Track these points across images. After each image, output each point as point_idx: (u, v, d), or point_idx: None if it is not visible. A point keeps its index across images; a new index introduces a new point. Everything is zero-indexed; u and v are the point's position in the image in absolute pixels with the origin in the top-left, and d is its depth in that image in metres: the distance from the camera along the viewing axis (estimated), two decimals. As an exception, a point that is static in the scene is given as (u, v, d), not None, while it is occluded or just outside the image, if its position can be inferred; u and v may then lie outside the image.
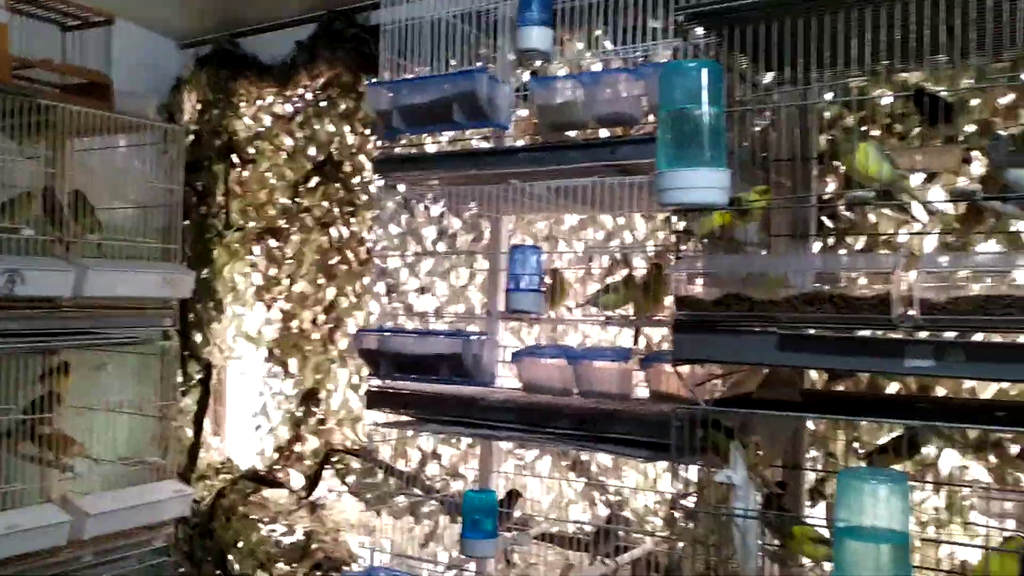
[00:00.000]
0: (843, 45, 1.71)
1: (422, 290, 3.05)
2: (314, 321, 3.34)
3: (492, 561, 2.48)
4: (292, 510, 3.31)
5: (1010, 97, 2.05)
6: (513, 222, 2.75)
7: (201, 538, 3.47)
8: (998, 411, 1.57)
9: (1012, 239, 1.97)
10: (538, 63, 2.34)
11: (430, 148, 2.54)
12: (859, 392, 2.24)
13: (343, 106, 3.24)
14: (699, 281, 1.64)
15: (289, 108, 3.43)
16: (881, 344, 1.44)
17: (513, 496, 2.40)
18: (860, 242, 2.23)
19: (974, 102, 2.11)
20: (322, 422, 3.29)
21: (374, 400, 2.34)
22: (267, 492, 3.41)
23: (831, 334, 1.49)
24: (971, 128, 2.07)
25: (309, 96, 3.36)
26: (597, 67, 2.32)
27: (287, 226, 3.44)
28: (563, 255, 2.67)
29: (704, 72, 1.46)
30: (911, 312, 1.38)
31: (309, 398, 3.32)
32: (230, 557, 3.44)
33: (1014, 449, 1.98)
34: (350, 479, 3.19)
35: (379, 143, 2.40)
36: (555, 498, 2.73)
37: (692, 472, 1.97)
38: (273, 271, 3.50)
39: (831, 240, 2.26)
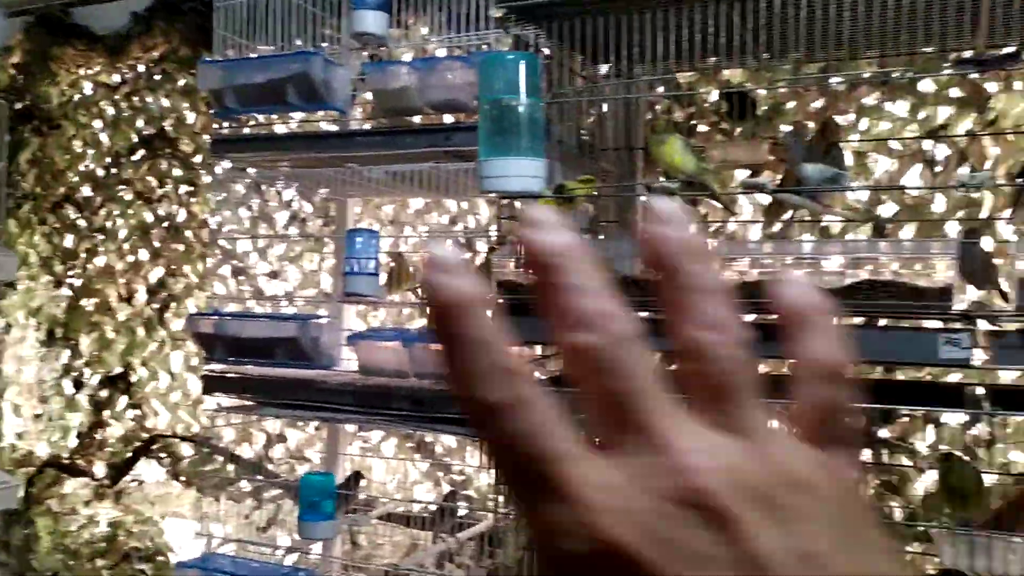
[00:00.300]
0: (668, 42, 1.80)
1: (274, 274, 3.02)
2: (128, 300, 3.22)
3: (338, 543, 2.49)
4: (90, 500, 3.19)
5: (820, 102, 2.22)
6: (360, 206, 2.76)
7: (20, 528, 3.30)
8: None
9: (820, 231, 2.15)
10: (380, 47, 2.36)
11: (280, 129, 2.51)
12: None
13: (182, 81, 3.15)
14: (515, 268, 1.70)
15: (117, 78, 3.29)
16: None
17: (356, 478, 2.42)
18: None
19: (790, 104, 2.28)
20: (136, 406, 3.17)
21: (211, 385, 2.31)
22: (72, 482, 3.27)
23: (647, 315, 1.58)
24: (788, 127, 2.24)
25: (142, 68, 3.24)
26: (442, 52, 2.36)
27: (96, 197, 3.29)
28: (408, 239, 2.70)
29: (521, 64, 1.52)
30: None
31: (116, 381, 3.21)
32: (44, 548, 3.31)
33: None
34: (172, 465, 3.11)
35: (212, 123, 2.36)
36: (400, 479, 2.77)
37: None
38: (70, 243, 3.32)
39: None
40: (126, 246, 3.22)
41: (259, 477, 2.71)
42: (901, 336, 1.42)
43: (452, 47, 2.24)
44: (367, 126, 2.29)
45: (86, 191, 3.31)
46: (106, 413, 3.21)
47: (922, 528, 2.02)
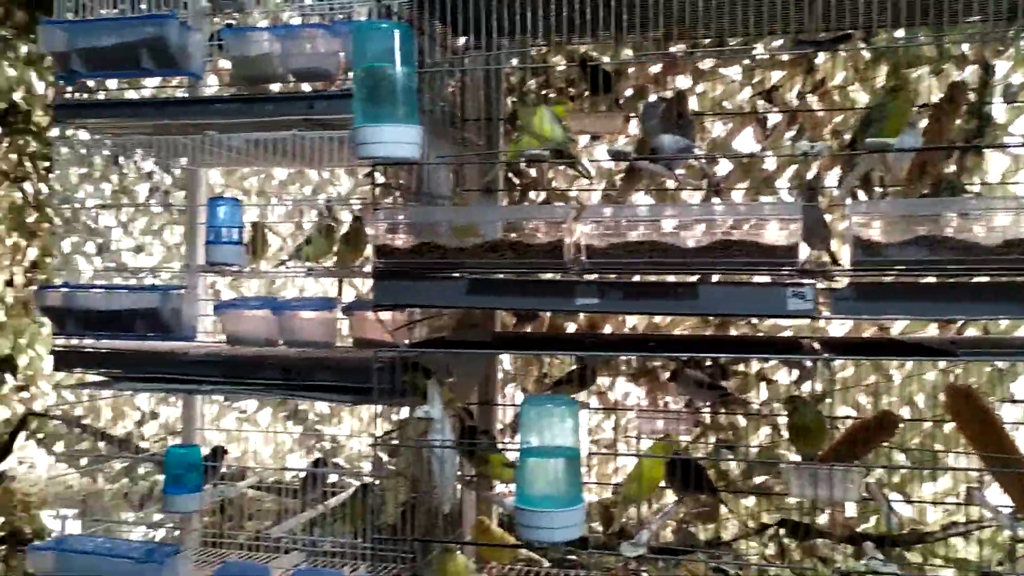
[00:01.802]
0: (525, 16, 1.88)
1: (139, 248, 2.91)
2: (9, 283, 3.07)
3: (201, 516, 2.45)
4: None
5: (659, 67, 2.36)
6: (223, 176, 2.69)
7: None
8: (650, 343, 1.84)
9: (664, 195, 2.29)
10: (236, 12, 2.30)
11: (130, 95, 2.41)
12: (542, 332, 2.49)
13: (24, 49, 2.95)
14: (400, 231, 1.73)
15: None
16: (555, 285, 1.63)
17: (219, 452, 2.39)
18: (540, 196, 2.48)
19: (631, 70, 2.41)
20: (23, 388, 3.04)
21: (63, 360, 2.21)
22: None
23: (515, 278, 1.66)
24: (629, 92, 2.37)
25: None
26: (297, 20, 2.33)
27: None
28: (273, 209, 2.66)
29: (395, 33, 1.55)
30: (579, 257, 1.58)
31: (2, 365, 3.06)
32: None
33: (665, 375, 2.32)
34: (57, 447, 2.99)
35: (56, 88, 2.24)
36: (275, 448, 2.75)
37: (404, 414, 2.09)
38: None
39: (517, 195, 2.47)
40: (1, 228, 3.05)
41: (129, 455, 2.62)
42: (752, 291, 1.56)
43: (308, 15, 2.22)
44: (220, 93, 2.23)
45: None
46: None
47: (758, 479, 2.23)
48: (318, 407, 2.71)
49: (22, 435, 3.06)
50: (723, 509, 2.31)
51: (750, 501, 2.38)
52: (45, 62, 2.96)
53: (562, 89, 2.36)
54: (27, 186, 3.08)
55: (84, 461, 2.73)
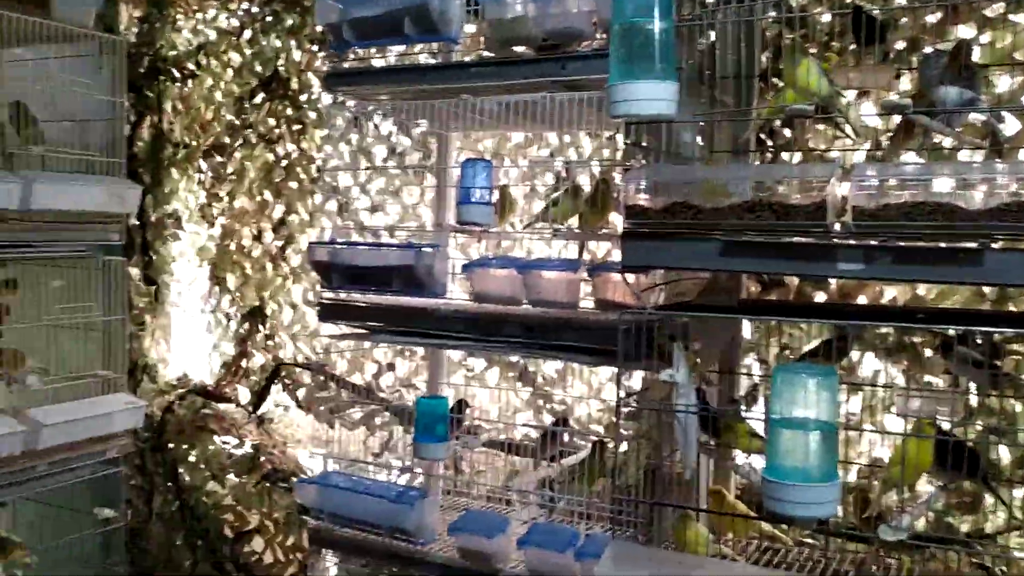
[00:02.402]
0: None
1: (374, 208, 3.09)
2: (258, 238, 3.39)
3: (441, 469, 2.58)
4: (241, 424, 3.39)
5: (936, 16, 2.15)
6: (460, 139, 2.78)
7: (152, 452, 3.53)
8: (918, 314, 1.70)
9: (937, 154, 2.09)
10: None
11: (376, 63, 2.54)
12: (790, 301, 2.37)
13: (289, 21, 3.21)
14: (651, 191, 1.70)
15: (235, 23, 3.40)
16: (816, 249, 1.54)
17: (463, 405, 2.49)
18: (796, 157, 2.34)
19: (903, 20, 2.21)
20: (269, 338, 3.35)
21: (327, 312, 2.39)
22: (218, 406, 3.50)
23: (770, 240, 1.58)
24: (900, 45, 2.18)
25: (255, 10, 3.32)
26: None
27: (231, 143, 3.47)
28: (509, 172, 2.72)
29: (656, -14, 1.51)
30: (844, 219, 1.48)
31: (254, 315, 3.38)
32: (180, 469, 3.51)
33: (927, 353, 2.13)
34: (300, 393, 3.27)
35: (328, 58, 2.39)
36: (502, 408, 2.83)
37: (635, 379, 2.06)
38: (217, 188, 3.56)
39: (769, 156, 2.36)
40: (255, 187, 3.41)
41: (373, 403, 2.80)
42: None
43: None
44: (468, 57, 2.29)
45: (226, 138, 3.56)
46: (248, 345, 3.48)
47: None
48: (547, 370, 2.75)
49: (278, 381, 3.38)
50: (986, 500, 2.12)
51: (1019, 493, 2.15)
52: (303, 31, 3.21)
53: (826, 42, 2.21)
54: (279, 148, 3.37)
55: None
